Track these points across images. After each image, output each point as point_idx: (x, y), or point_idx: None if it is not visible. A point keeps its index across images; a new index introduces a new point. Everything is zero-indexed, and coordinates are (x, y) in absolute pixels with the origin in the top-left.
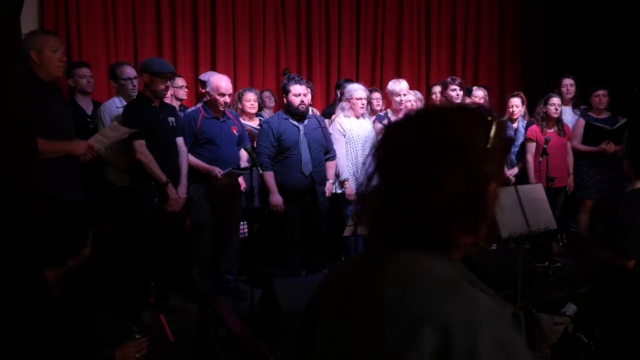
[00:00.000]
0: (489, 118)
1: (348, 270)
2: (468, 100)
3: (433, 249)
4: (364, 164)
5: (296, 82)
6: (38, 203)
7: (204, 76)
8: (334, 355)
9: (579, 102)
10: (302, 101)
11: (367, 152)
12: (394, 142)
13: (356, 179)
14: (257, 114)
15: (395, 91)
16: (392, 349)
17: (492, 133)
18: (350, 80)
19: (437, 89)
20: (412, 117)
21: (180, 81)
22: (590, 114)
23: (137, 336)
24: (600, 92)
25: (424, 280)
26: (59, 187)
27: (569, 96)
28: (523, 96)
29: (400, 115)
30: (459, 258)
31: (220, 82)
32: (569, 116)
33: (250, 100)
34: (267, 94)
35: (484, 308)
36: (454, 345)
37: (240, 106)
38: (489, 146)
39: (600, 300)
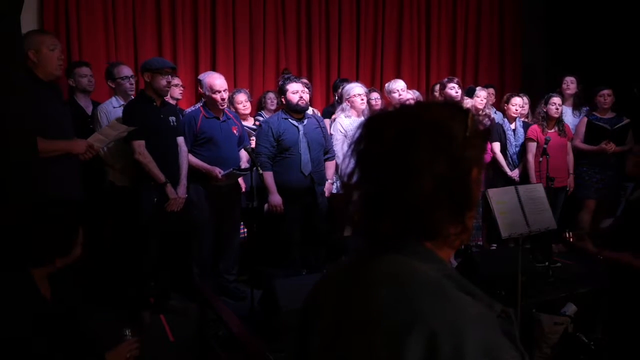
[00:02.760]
0: (464, 108)
1: (343, 273)
2: (469, 100)
3: (421, 246)
4: (343, 161)
5: (292, 81)
6: (27, 202)
7: (202, 76)
8: (331, 355)
9: (580, 103)
10: (301, 97)
11: (343, 164)
12: (375, 135)
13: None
14: (257, 114)
15: (392, 89)
16: (382, 354)
17: (469, 121)
18: (346, 80)
19: (437, 88)
20: (390, 111)
21: (175, 80)
22: (594, 113)
23: (127, 333)
24: (605, 91)
25: (411, 286)
26: (60, 186)
27: (569, 92)
28: (526, 97)
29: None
30: (448, 258)
31: (213, 80)
32: (569, 117)
33: (242, 101)
34: (270, 95)
35: (468, 312)
36: (439, 350)
37: (232, 109)
38: (467, 133)
39: (608, 301)
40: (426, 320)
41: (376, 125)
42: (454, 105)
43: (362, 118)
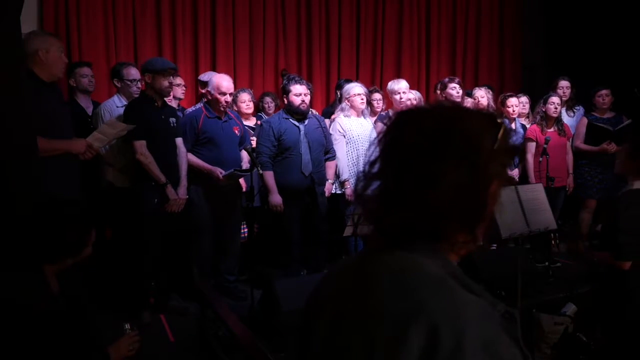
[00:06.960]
0: (499, 121)
1: (345, 270)
2: (469, 100)
3: (428, 246)
4: (368, 150)
5: (296, 82)
6: (40, 201)
7: (203, 76)
8: (330, 355)
9: (574, 103)
10: (303, 100)
11: (368, 152)
12: (403, 130)
13: (357, 179)
14: (257, 115)
15: (394, 90)
16: (383, 348)
17: (500, 135)
18: (350, 80)
19: (438, 88)
20: (424, 109)
21: (178, 80)
22: (593, 113)
23: (127, 327)
24: (604, 91)
25: (415, 280)
26: (59, 185)
27: (565, 99)
28: (526, 97)
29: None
30: (455, 258)
31: (221, 81)
32: (564, 117)
33: (245, 100)
34: (268, 98)
35: (471, 307)
36: (440, 344)
37: (235, 108)
38: (495, 147)
39: (599, 301)
40: (428, 312)
41: (407, 122)
42: (489, 116)
43: (361, 119)
